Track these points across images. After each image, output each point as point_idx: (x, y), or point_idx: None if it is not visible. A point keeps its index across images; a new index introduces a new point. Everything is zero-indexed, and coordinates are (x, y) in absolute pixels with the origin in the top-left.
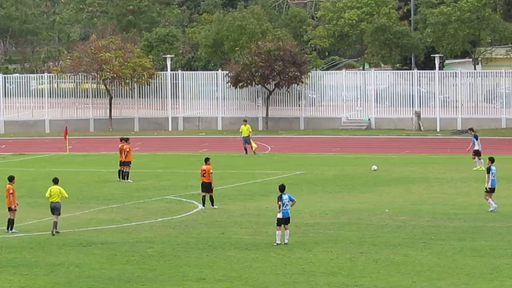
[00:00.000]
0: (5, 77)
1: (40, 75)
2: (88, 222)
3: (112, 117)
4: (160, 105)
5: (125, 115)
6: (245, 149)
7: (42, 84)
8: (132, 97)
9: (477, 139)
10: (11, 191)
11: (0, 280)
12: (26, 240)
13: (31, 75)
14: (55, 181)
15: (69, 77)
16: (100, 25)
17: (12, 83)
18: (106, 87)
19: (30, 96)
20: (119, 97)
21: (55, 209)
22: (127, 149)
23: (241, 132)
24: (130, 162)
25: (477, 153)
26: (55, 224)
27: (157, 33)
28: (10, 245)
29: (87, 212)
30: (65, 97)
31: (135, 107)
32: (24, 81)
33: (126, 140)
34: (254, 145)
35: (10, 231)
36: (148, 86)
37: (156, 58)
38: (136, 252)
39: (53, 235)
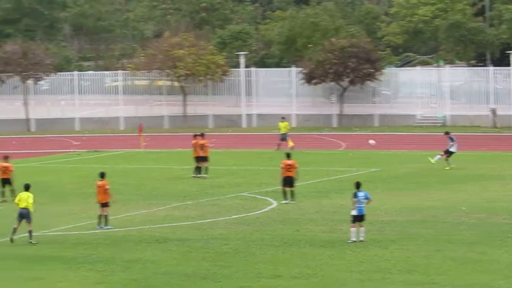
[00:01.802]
0: (80, 75)
1: (114, 72)
2: (164, 219)
3: (186, 114)
4: (234, 102)
5: (199, 112)
6: (278, 145)
7: (116, 81)
8: (205, 94)
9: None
10: (106, 187)
11: (77, 276)
12: (101, 236)
13: (105, 72)
14: (26, 188)
15: (143, 74)
16: (173, 22)
17: (87, 80)
18: (180, 84)
19: (104, 93)
20: (193, 94)
21: (23, 216)
22: (205, 144)
23: (279, 129)
24: (207, 157)
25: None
26: (30, 232)
27: (230, 30)
28: (86, 242)
29: (162, 208)
30: (139, 94)
31: (209, 104)
32: (98, 78)
33: (202, 135)
34: (291, 143)
35: (105, 228)
36: (221, 83)
37: (229, 55)
38: (211, 249)
39: (12, 242)
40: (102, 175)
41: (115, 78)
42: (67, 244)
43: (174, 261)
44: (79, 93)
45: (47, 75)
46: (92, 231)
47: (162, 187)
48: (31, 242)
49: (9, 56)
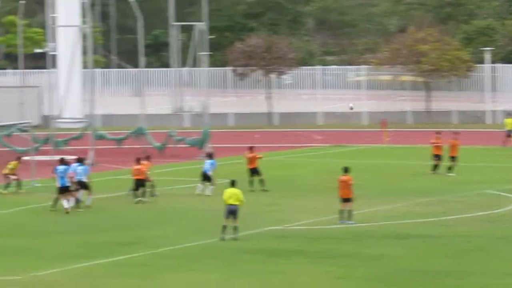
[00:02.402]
0: (322, 69)
1: (358, 67)
2: (405, 215)
3: (430, 110)
4: (478, 98)
5: (443, 107)
6: (504, 142)
7: (359, 76)
8: (449, 90)
9: None
10: (350, 182)
11: (319, 271)
12: (343, 231)
13: (348, 67)
14: (233, 183)
15: (386, 69)
16: (418, 17)
17: (330, 75)
18: (423, 79)
19: (347, 88)
20: (436, 89)
21: (232, 212)
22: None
23: (506, 125)
24: (455, 157)
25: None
26: (236, 228)
27: (475, 25)
28: (329, 236)
29: (404, 204)
30: (382, 89)
31: (453, 100)
32: (341, 73)
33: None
34: None
35: (347, 223)
36: (466, 79)
37: (474, 50)
38: (454, 246)
39: (234, 239)
40: (346, 170)
41: (358, 73)
42: (309, 238)
43: (416, 257)
44: (321, 87)
45: (290, 69)
46: (334, 226)
47: (404, 182)
48: (235, 238)
49: (253, 50)
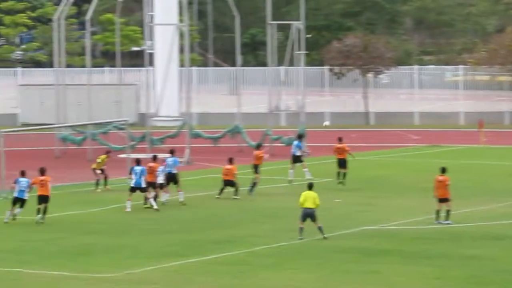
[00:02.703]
0: (420, 69)
1: (455, 67)
2: (503, 216)
3: None
4: None
5: None
6: None
7: (456, 76)
8: None
9: None
10: (447, 182)
11: (414, 271)
12: (440, 231)
13: (445, 66)
14: (310, 187)
15: (484, 70)
16: None
17: (427, 75)
18: None
19: (444, 88)
20: None
21: (309, 215)
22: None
23: None
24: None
25: None
26: (320, 228)
27: None
28: (424, 236)
29: (502, 205)
30: (479, 89)
31: None
32: (439, 73)
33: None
34: None
35: (444, 223)
36: None
37: None
38: None
39: (325, 238)
40: (443, 170)
41: (455, 73)
42: (405, 238)
43: None
44: (419, 87)
45: (387, 69)
46: (430, 226)
47: (501, 183)
48: (325, 237)
49: (350, 49)
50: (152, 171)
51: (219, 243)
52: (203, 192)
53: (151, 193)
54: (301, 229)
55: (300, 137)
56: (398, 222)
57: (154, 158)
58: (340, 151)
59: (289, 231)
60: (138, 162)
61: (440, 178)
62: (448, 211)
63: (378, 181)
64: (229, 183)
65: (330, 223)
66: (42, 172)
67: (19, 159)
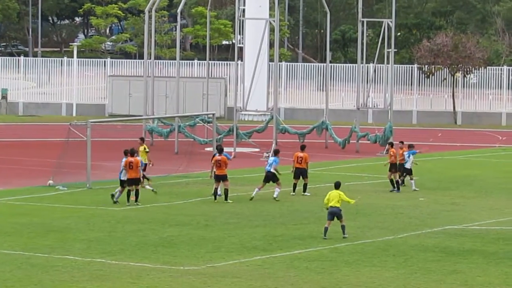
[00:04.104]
0: (509, 69)
1: None
2: None
3: None
4: None
5: None
6: None
7: None
8: None
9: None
10: None
11: (497, 272)
12: None
13: None
14: (336, 186)
15: None
16: None
17: None
18: None
19: None
20: None
21: (334, 214)
22: None
23: None
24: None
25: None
26: (343, 227)
27: None
28: (508, 237)
29: None
30: None
31: None
32: None
33: None
34: None
35: None
36: None
37: None
38: None
39: (344, 238)
40: None
41: None
42: (489, 238)
43: None
44: (507, 88)
45: (477, 69)
46: None
47: None
48: (344, 237)
49: (439, 48)
50: (220, 164)
51: (302, 238)
52: (287, 188)
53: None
54: (326, 229)
55: (276, 153)
56: (482, 222)
57: (220, 151)
58: (300, 160)
59: (373, 228)
60: (276, 152)
61: None
62: None
63: (464, 181)
64: (300, 172)
65: (415, 221)
66: (132, 154)
67: (106, 149)
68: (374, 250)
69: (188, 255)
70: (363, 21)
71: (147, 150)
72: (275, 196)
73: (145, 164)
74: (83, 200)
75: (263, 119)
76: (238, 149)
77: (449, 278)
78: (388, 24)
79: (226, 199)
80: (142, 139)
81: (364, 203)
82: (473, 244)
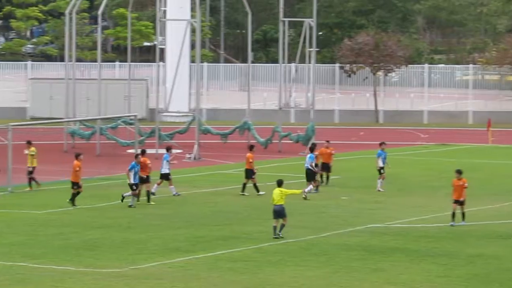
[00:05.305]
0: (430, 68)
1: (465, 66)
2: (509, 215)
3: None
4: None
5: None
6: None
7: (466, 75)
8: None
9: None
10: (465, 185)
11: (419, 269)
12: (445, 230)
13: (455, 66)
14: (279, 183)
15: (494, 69)
16: None
17: (437, 74)
18: None
19: (454, 87)
20: None
21: (277, 212)
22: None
23: None
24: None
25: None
26: (282, 226)
27: None
28: (430, 235)
29: (508, 204)
30: (489, 89)
31: None
32: (449, 72)
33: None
34: None
35: (456, 224)
36: None
37: None
38: None
39: (276, 237)
40: (460, 172)
41: (465, 72)
42: (411, 236)
43: None
44: (428, 86)
45: (398, 67)
46: (435, 224)
47: (509, 182)
48: (279, 235)
49: (361, 47)
50: (142, 166)
51: (225, 239)
52: (210, 188)
53: (153, 186)
54: (274, 227)
55: (311, 149)
56: (405, 220)
57: (143, 153)
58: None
59: (296, 228)
60: (311, 149)
61: (457, 180)
62: (463, 213)
63: (387, 179)
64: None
65: (338, 220)
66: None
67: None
68: (297, 249)
69: (111, 257)
70: (284, 21)
71: (32, 153)
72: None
73: (33, 168)
74: (4, 204)
75: (185, 120)
76: (161, 151)
77: (372, 276)
78: (309, 24)
79: (148, 201)
80: (29, 142)
81: (287, 202)
82: (395, 242)
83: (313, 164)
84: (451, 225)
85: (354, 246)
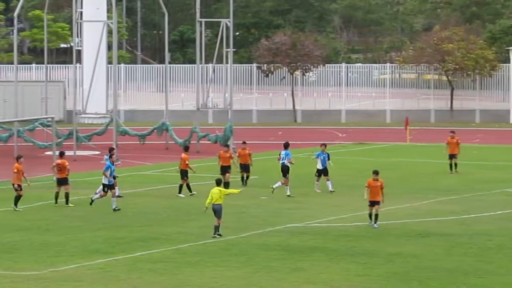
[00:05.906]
0: (347, 67)
1: (382, 65)
2: (427, 213)
3: (453, 109)
4: (501, 97)
5: (465, 106)
6: None
7: (384, 74)
8: (473, 88)
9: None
10: (382, 185)
11: (339, 268)
12: (364, 229)
13: (373, 64)
14: (217, 183)
15: (411, 68)
16: (444, 16)
17: (354, 73)
18: (448, 78)
19: (371, 86)
20: (460, 88)
21: (214, 211)
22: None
23: None
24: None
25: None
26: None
27: (500, 25)
28: (349, 234)
29: (426, 203)
30: (406, 87)
31: (476, 98)
32: (366, 71)
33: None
34: None
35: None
36: (490, 78)
37: (498, 50)
38: (475, 244)
39: (214, 236)
40: (377, 173)
41: (382, 71)
42: (330, 235)
43: (436, 255)
44: (346, 85)
45: (315, 67)
46: (354, 224)
47: (426, 181)
48: (219, 235)
49: (278, 47)
50: (61, 168)
51: (145, 240)
52: (129, 190)
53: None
54: (215, 227)
55: (286, 146)
56: (324, 220)
57: (61, 155)
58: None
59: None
60: (286, 146)
61: (374, 182)
62: (376, 215)
63: (306, 179)
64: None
65: (258, 220)
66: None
67: None
68: (216, 250)
69: (29, 260)
70: (201, 22)
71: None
72: (274, 186)
73: None
74: None
75: (103, 122)
76: (79, 152)
77: (292, 276)
78: (226, 24)
79: (67, 203)
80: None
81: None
82: (315, 242)
83: (292, 161)
84: (372, 226)
85: (274, 246)
